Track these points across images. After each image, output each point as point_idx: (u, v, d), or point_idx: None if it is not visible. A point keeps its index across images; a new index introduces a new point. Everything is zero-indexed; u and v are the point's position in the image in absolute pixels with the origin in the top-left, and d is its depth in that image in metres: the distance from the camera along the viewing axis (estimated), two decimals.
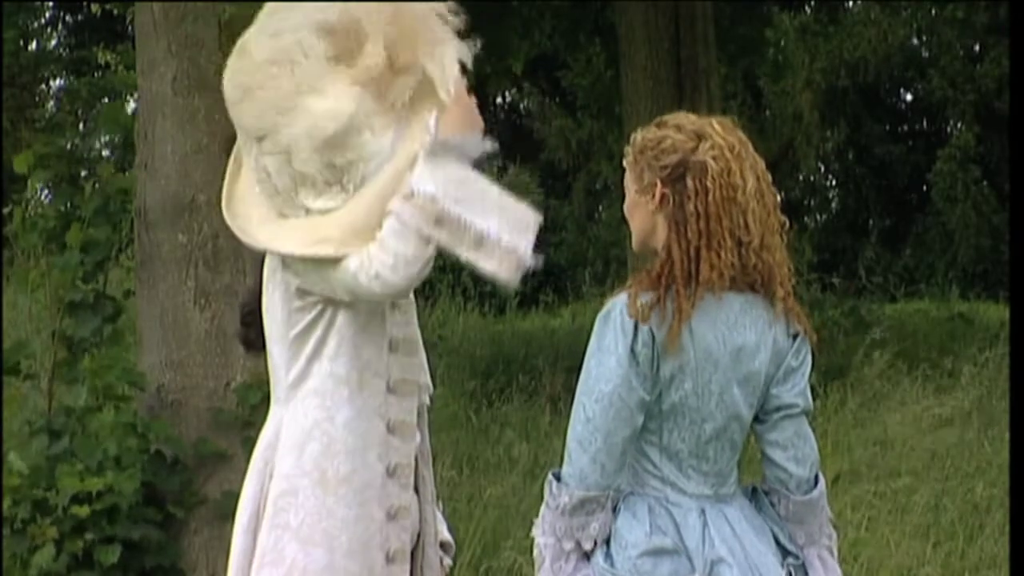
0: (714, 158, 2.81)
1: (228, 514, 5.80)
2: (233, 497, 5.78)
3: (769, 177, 2.89)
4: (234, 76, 2.99)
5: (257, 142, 2.96)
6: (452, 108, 2.88)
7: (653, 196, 2.85)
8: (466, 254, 2.81)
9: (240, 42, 3.00)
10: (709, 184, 2.80)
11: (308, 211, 2.92)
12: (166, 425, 5.74)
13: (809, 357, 2.95)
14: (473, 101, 2.91)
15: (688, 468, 2.87)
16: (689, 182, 2.81)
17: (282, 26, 2.91)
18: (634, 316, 2.76)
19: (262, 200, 3.02)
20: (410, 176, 2.83)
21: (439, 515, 3.29)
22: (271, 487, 3.00)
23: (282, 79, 2.89)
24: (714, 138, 2.84)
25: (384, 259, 2.81)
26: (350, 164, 2.87)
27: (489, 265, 2.81)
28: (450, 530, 3.35)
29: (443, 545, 3.29)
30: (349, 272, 2.85)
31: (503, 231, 2.80)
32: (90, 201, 5.97)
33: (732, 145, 2.84)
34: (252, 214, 3.03)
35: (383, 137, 2.87)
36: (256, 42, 2.94)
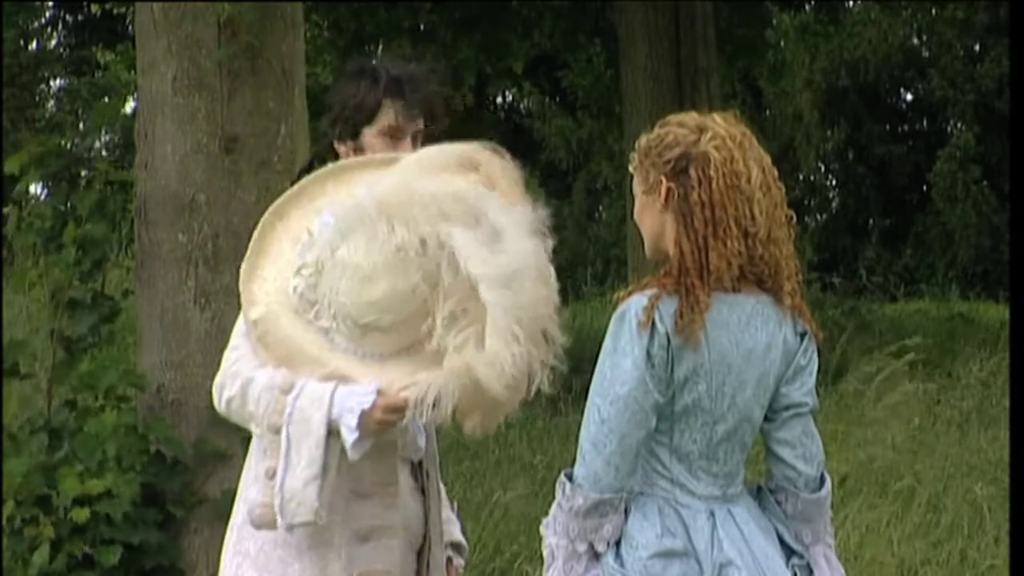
0: (716, 148, 2.81)
1: (228, 514, 5.81)
2: (233, 497, 5.76)
3: (776, 171, 2.88)
4: (400, 180, 2.84)
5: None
6: (380, 411, 2.81)
7: (659, 193, 2.85)
8: (261, 468, 2.91)
9: (431, 158, 2.86)
10: (712, 173, 2.79)
11: (296, 268, 2.91)
12: (166, 426, 5.74)
13: (816, 356, 2.96)
14: (392, 421, 2.85)
15: (698, 469, 2.86)
16: (692, 173, 2.81)
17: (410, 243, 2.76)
18: (652, 319, 2.75)
19: (296, 208, 3.01)
20: (316, 379, 2.84)
21: (452, 516, 3.29)
22: (237, 513, 3.06)
23: (402, 256, 2.77)
24: (716, 129, 2.84)
25: (230, 387, 2.94)
26: (339, 316, 2.85)
27: (256, 495, 2.92)
28: (463, 532, 3.35)
29: (456, 546, 3.29)
30: (229, 347, 2.99)
31: (287, 492, 2.84)
32: (85, 197, 5.96)
33: (734, 136, 2.83)
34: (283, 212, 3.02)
35: (364, 350, 2.86)
36: (435, 207, 2.78)
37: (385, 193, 2.80)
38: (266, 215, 3.01)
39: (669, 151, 2.84)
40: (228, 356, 2.99)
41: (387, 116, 3.13)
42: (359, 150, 3.15)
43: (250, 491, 3.01)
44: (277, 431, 2.85)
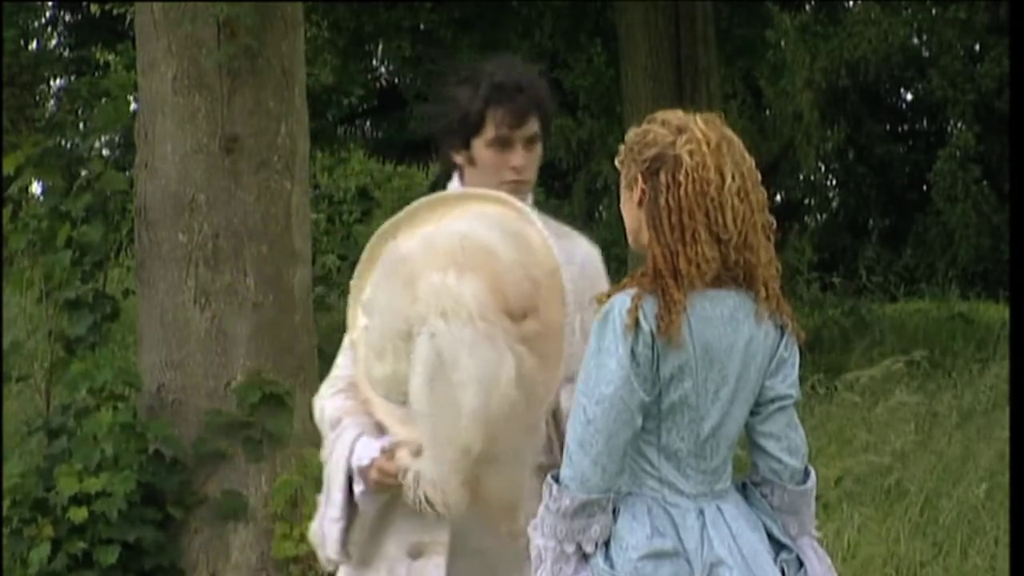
0: (690, 152, 2.79)
1: (228, 514, 5.82)
2: (233, 497, 5.76)
3: (757, 176, 2.86)
4: (425, 252, 2.81)
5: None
6: (375, 471, 2.82)
7: (635, 191, 2.86)
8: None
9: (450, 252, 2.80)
10: (681, 179, 2.78)
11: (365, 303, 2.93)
12: (165, 425, 5.74)
13: (796, 347, 2.96)
14: (388, 484, 2.85)
15: (687, 468, 2.86)
16: (662, 176, 2.80)
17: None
18: (636, 319, 2.75)
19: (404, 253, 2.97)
20: (363, 421, 2.87)
21: None
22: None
23: (402, 340, 2.76)
24: (694, 132, 2.82)
25: (316, 409, 3.01)
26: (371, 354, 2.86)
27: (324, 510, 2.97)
28: None
29: None
30: (334, 367, 3.05)
31: (324, 527, 2.92)
32: (78, 199, 5.95)
33: (711, 140, 2.81)
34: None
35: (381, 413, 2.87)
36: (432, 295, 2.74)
37: (410, 256, 2.77)
38: (379, 231, 2.98)
39: (647, 150, 2.84)
40: (331, 372, 3.04)
41: (491, 127, 3.09)
42: (472, 160, 3.14)
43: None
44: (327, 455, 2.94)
